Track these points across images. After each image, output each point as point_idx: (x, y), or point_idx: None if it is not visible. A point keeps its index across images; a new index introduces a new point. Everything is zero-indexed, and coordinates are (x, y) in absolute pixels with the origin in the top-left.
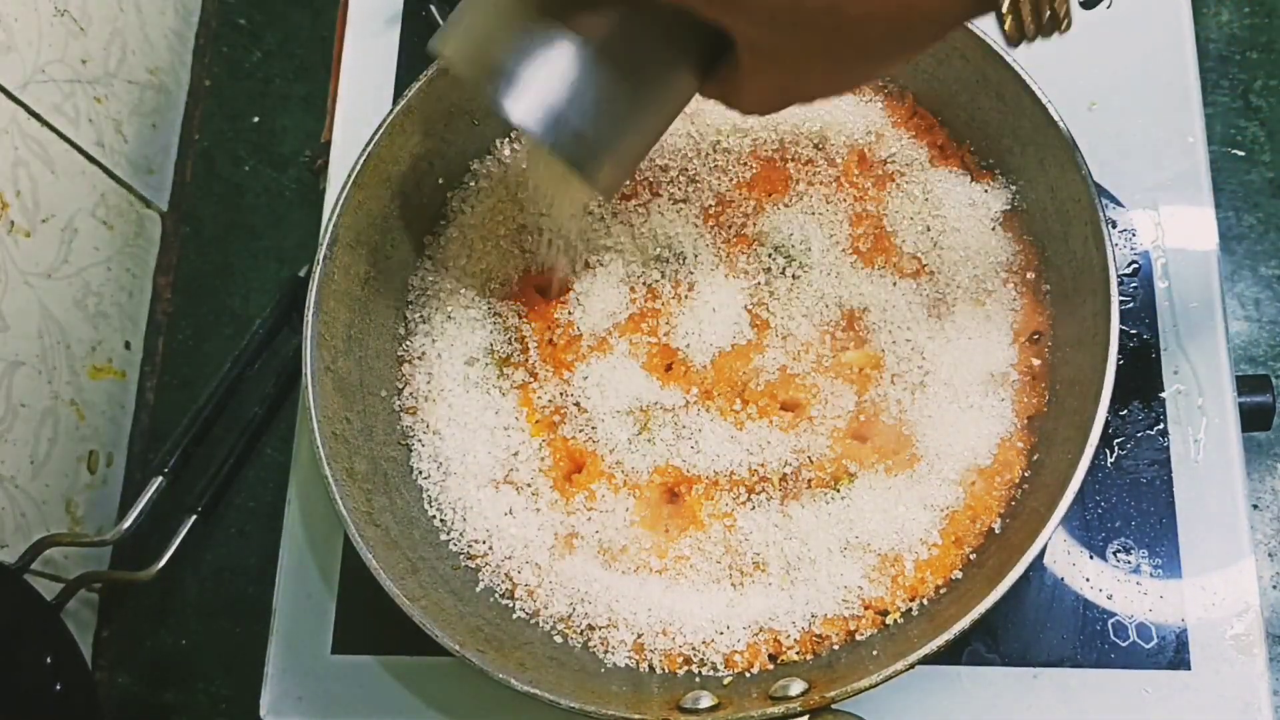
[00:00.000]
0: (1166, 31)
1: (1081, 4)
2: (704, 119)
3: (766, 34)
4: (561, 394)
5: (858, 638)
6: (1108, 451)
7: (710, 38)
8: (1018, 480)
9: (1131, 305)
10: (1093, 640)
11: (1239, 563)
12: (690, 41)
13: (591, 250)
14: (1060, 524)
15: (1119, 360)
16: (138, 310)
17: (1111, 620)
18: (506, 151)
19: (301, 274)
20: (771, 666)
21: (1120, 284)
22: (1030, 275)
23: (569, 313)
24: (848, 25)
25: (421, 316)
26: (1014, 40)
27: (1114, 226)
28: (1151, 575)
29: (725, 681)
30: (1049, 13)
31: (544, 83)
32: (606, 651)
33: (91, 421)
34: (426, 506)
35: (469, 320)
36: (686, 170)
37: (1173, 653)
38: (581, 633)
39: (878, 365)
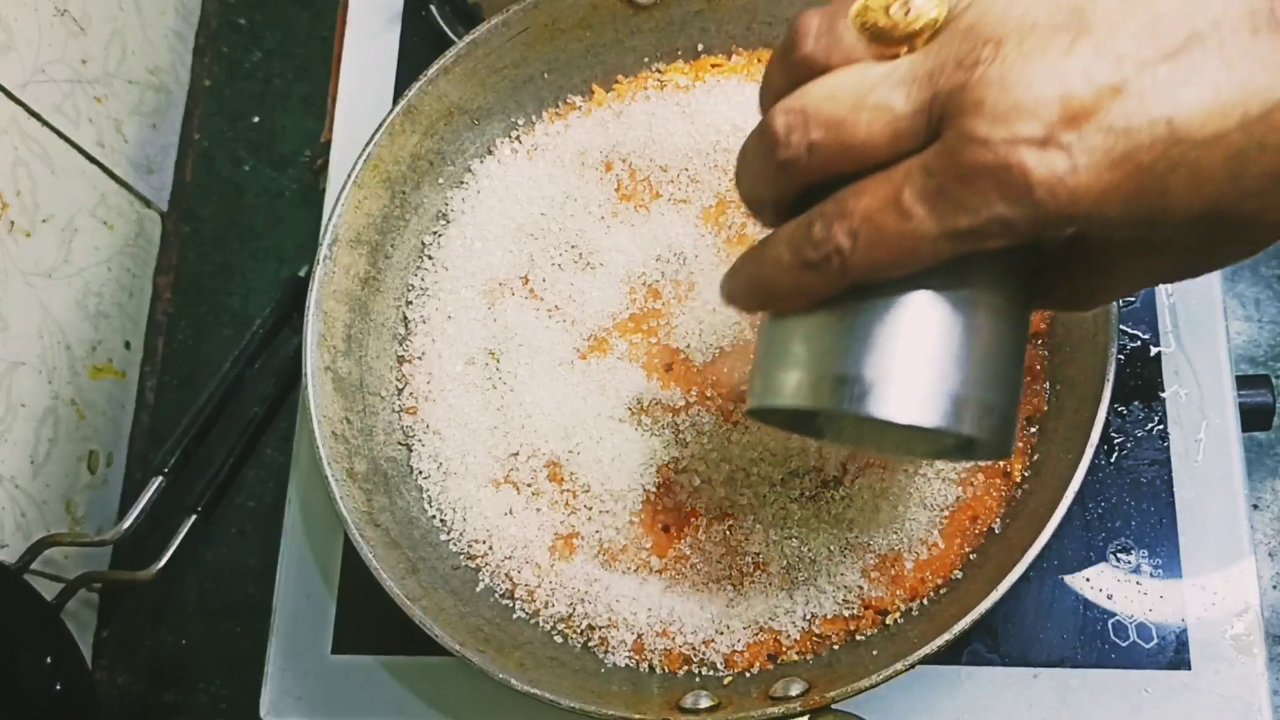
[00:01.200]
0: None
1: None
2: (704, 119)
3: (1183, 231)
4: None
5: (858, 638)
6: (1108, 451)
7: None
8: (1018, 480)
9: (1131, 305)
10: (1093, 640)
11: (1239, 563)
12: (1022, 262)
13: (591, 250)
14: (1060, 524)
15: (1119, 360)
16: (138, 310)
17: (1111, 620)
18: (507, 151)
19: (301, 274)
20: (771, 666)
21: None
22: None
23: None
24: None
25: (421, 316)
26: None
27: None
28: (1151, 575)
29: (725, 681)
30: None
31: (926, 371)
32: (606, 651)
33: (91, 421)
34: (426, 506)
35: (469, 320)
36: (687, 170)
37: (1173, 653)
38: (581, 633)
39: None
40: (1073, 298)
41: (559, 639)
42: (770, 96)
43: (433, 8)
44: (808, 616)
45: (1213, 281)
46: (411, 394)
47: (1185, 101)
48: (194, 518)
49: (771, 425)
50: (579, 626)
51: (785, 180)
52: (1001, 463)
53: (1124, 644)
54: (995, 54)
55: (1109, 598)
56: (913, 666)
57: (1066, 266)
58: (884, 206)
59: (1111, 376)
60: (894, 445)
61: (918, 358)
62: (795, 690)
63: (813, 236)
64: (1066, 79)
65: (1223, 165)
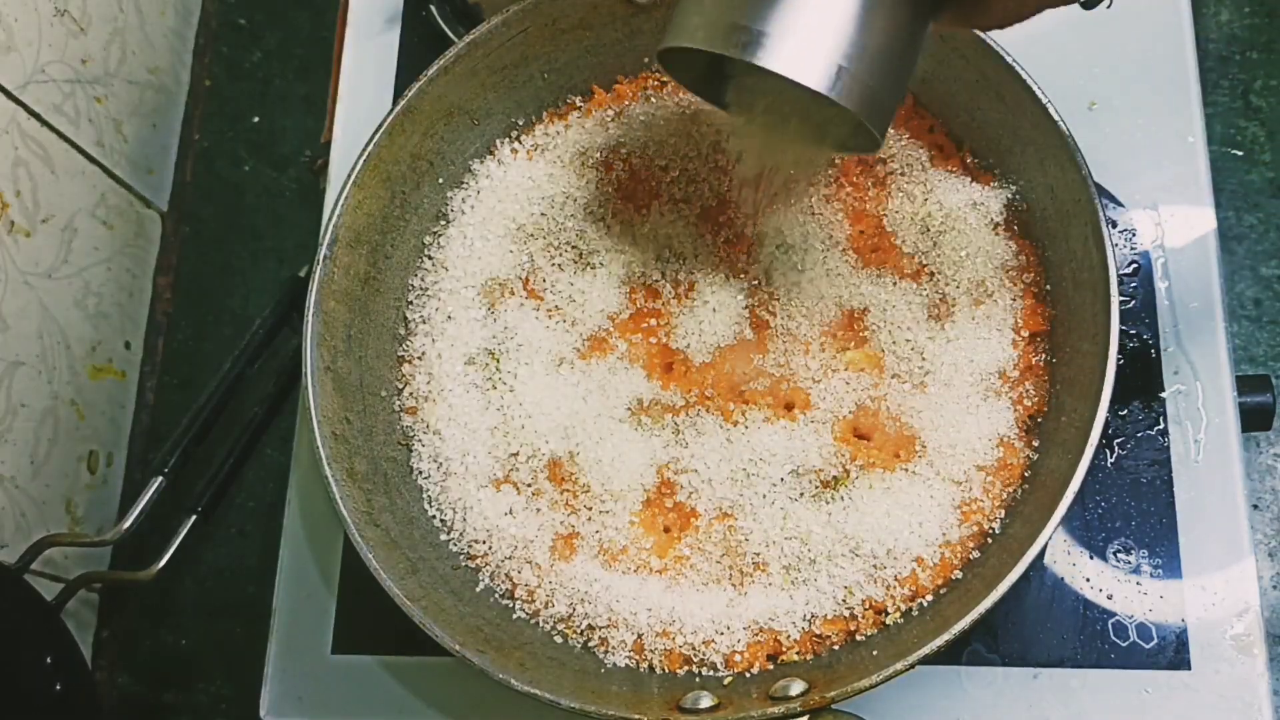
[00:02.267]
0: (1166, 31)
1: (1081, 4)
2: (704, 120)
3: None
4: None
5: (858, 638)
6: (1108, 451)
7: None
8: (1018, 480)
9: (1131, 305)
10: (1093, 640)
11: (1239, 563)
12: None
13: (591, 250)
14: (1060, 524)
15: (1119, 360)
16: (138, 310)
17: (1111, 620)
18: (507, 151)
19: (301, 274)
20: (771, 666)
21: (1120, 284)
22: (1030, 275)
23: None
24: None
25: (421, 316)
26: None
27: (1114, 226)
28: (1151, 575)
29: (725, 681)
30: None
31: (818, 35)
32: (606, 651)
33: (91, 421)
34: (426, 506)
35: (469, 320)
36: (686, 170)
37: (1173, 653)
38: (581, 633)
39: (878, 365)
40: (972, 8)
41: (559, 639)
42: None
43: (433, 8)
44: (808, 616)
45: (1213, 281)
46: (411, 394)
47: None
48: (194, 518)
49: (681, 83)
50: (579, 626)
51: None
52: (1000, 467)
53: (1124, 644)
54: None
55: (1109, 598)
56: (913, 666)
57: None
58: None
59: (1111, 376)
60: (782, 115)
61: (811, 21)
62: (795, 690)
63: None
64: None
65: None
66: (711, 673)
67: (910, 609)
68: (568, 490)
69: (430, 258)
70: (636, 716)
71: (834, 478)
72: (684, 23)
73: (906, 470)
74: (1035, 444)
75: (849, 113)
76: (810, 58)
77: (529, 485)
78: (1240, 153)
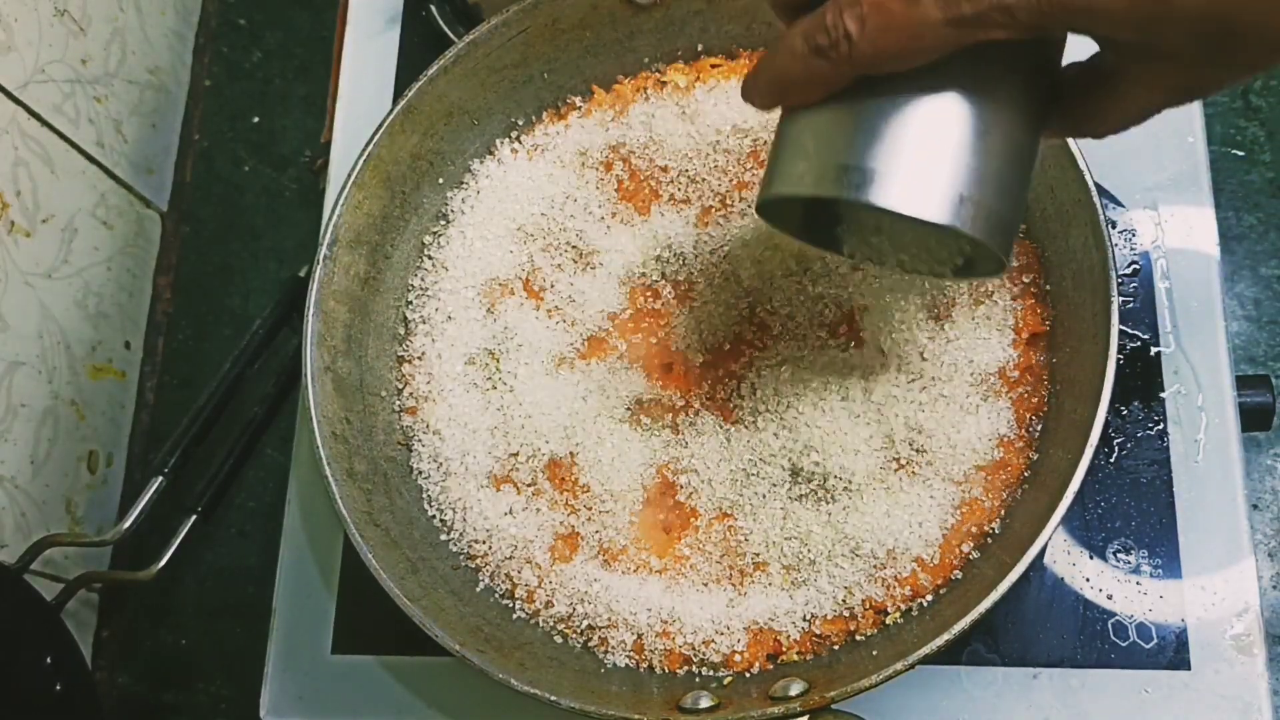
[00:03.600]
0: None
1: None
2: (704, 119)
3: (1186, 33)
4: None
5: (858, 638)
6: (1108, 451)
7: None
8: (1018, 480)
9: (1131, 305)
10: (1093, 640)
11: (1239, 563)
12: (1034, 71)
13: (591, 250)
14: (1060, 524)
15: (1119, 360)
16: (138, 310)
17: (1111, 620)
18: (507, 151)
19: (301, 274)
20: (771, 666)
21: (1120, 284)
22: (1030, 275)
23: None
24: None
25: (421, 316)
26: None
27: (1114, 226)
28: (1151, 575)
29: (725, 681)
30: None
31: (933, 166)
32: (606, 651)
33: (91, 421)
34: (426, 506)
35: (469, 320)
36: (686, 170)
37: (1173, 653)
38: (581, 633)
39: (878, 366)
40: (1082, 118)
41: (559, 639)
42: None
43: (433, 8)
44: (808, 616)
45: (1213, 281)
46: (411, 394)
47: None
48: (194, 518)
49: (785, 232)
50: (579, 626)
51: None
52: (1000, 467)
53: (1124, 644)
54: None
55: (1109, 598)
56: (913, 666)
57: (1080, 83)
58: None
59: (1111, 376)
60: (900, 251)
61: (925, 152)
62: (795, 690)
63: (825, 23)
64: None
65: None
66: (711, 673)
67: (910, 609)
68: (568, 490)
69: (430, 258)
70: (636, 716)
71: (835, 478)
72: (788, 170)
73: (906, 470)
74: (1035, 444)
75: (970, 241)
76: (929, 191)
77: (529, 485)
78: (1240, 153)
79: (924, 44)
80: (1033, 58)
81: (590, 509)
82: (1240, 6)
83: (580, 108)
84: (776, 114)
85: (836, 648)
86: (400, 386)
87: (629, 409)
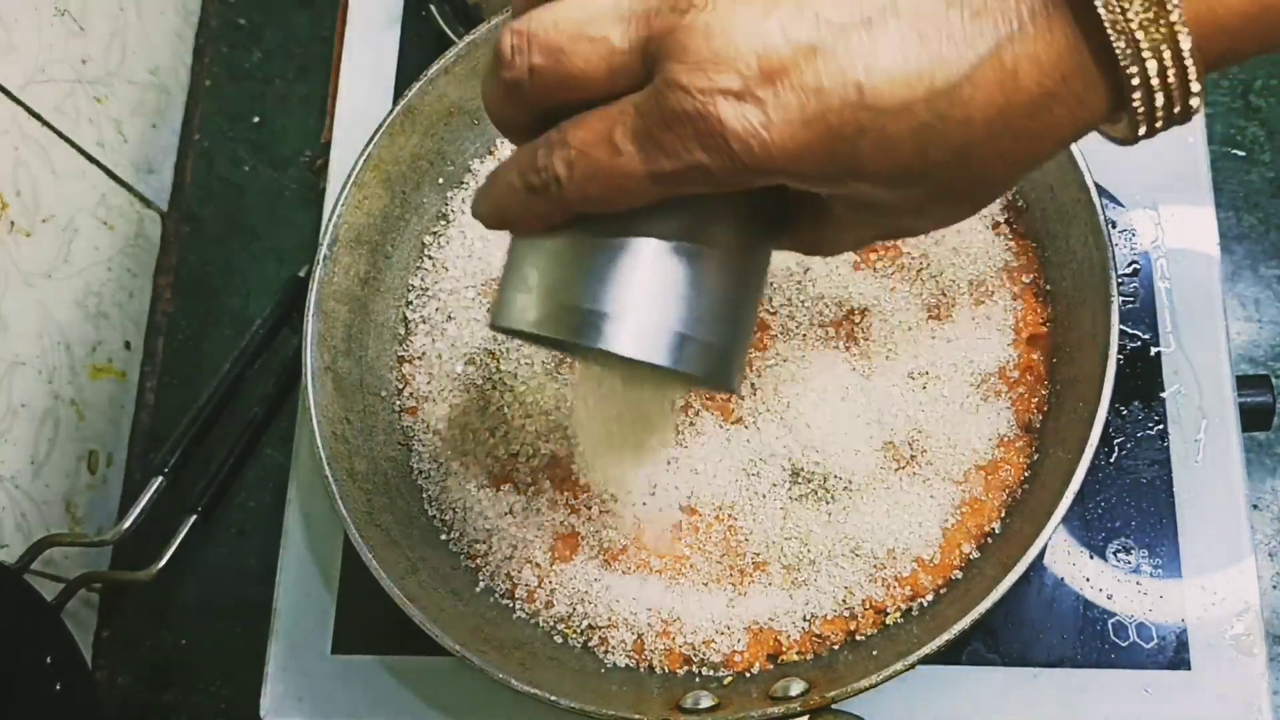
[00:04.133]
0: None
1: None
2: None
3: (883, 192)
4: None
5: (858, 638)
6: (1108, 451)
7: (772, 198)
8: (1018, 480)
9: (1131, 305)
10: (1093, 640)
11: (1239, 563)
12: (765, 208)
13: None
14: (1060, 524)
15: (1119, 360)
16: (138, 310)
17: (1111, 620)
18: (507, 151)
19: (301, 274)
20: (771, 666)
21: (1120, 284)
22: (1030, 275)
23: None
24: (969, 173)
25: (421, 316)
26: (1132, 139)
27: (1114, 226)
28: (1151, 575)
29: (725, 681)
30: (1178, 104)
31: (653, 309)
32: (606, 651)
33: (91, 421)
34: (426, 506)
35: (469, 320)
36: None
37: (1173, 653)
38: (581, 633)
39: (878, 366)
40: (805, 243)
41: (559, 639)
42: (514, 11)
43: (433, 8)
44: (808, 616)
45: (1213, 281)
46: (412, 394)
47: (877, 68)
48: (194, 518)
49: (518, 339)
50: (579, 626)
51: (515, 101)
52: (1000, 467)
53: (1124, 644)
54: (706, 1)
55: (1109, 598)
56: (913, 666)
57: (802, 212)
58: (597, 141)
59: (1111, 376)
60: (623, 366)
61: (643, 294)
62: (795, 690)
63: (536, 162)
64: (767, 35)
65: (909, 136)
66: (711, 673)
67: (910, 609)
68: (568, 490)
69: (430, 258)
70: (636, 716)
71: (835, 478)
72: (512, 300)
73: (906, 470)
74: (1035, 444)
75: (696, 377)
76: (647, 334)
77: (529, 485)
78: (1240, 153)
79: (629, 194)
80: (754, 195)
81: (590, 509)
82: (926, 171)
83: None
84: None
85: (836, 648)
86: (400, 386)
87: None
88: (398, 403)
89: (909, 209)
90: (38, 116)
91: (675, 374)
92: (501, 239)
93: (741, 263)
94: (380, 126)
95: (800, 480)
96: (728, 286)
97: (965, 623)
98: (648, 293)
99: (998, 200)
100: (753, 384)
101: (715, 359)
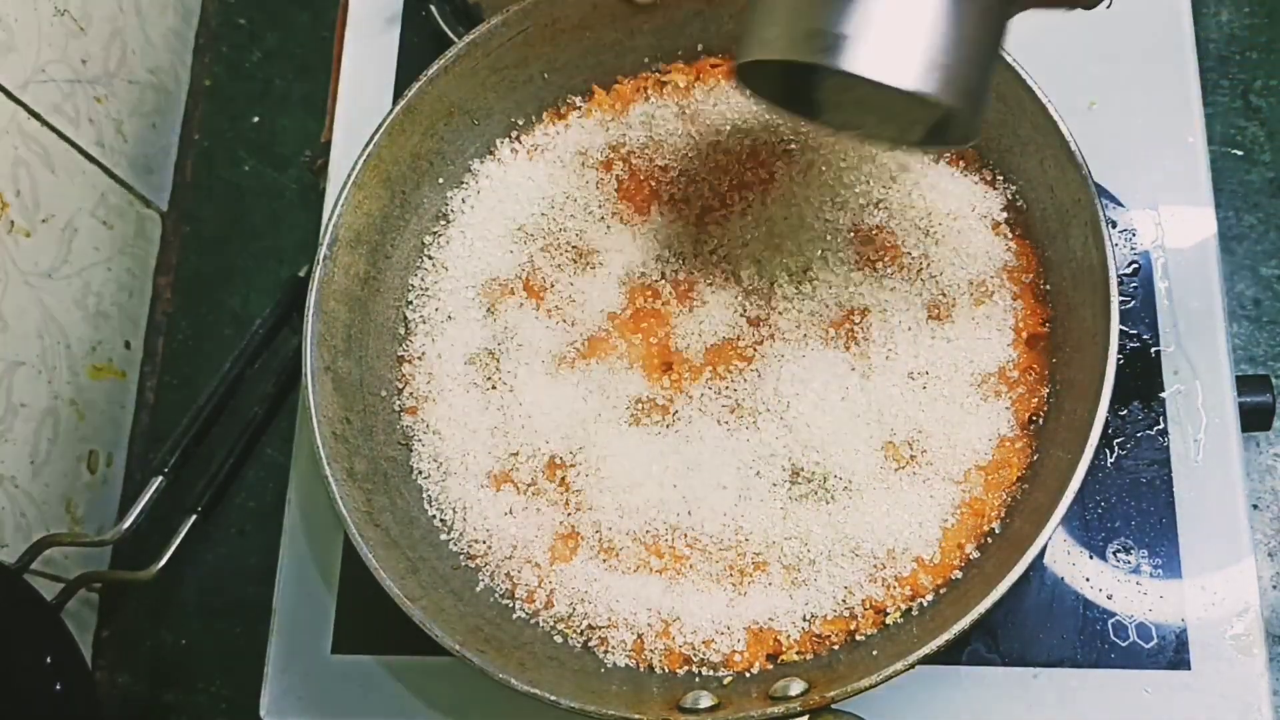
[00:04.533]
0: (1166, 31)
1: (1082, 5)
2: (704, 119)
3: None
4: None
5: (858, 638)
6: (1108, 451)
7: None
8: (1017, 480)
9: (1131, 305)
10: (1093, 640)
11: (1239, 563)
12: None
13: (591, 250)
14: (1060, 524)
15: (1119, 360)
16: (138, 310)
17: (1111, 620)
18: (507, 151)
19: (301, 274)
20: (771, 666)
21: (1120, 284)
22: (1030, 275)
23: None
24: None
25: (421, 316)
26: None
27: (1114, 226)
28: (1151, 575)
29: (725, 681)
30: None
31: (902, 33)
32: (606, 651)
33: (91, 421)
34: (426, 506)
35: (469, 320)
36: (686, 170)
37: (1173, 653)
38: (581, 633)
39: (878, 366)
40: None
41: (559, 639)
42: None
43: (433, 8)
44: (808, 616)
45: (1213, 281)
46: (411, 394)
47: None
48: (194, 518)
49: (763, 100)
50: (579, 626)
51: None
52: (1000, 467)
53: (1124, 644)
54: None
55: (1109, 598)
56: (913, 666)
57: None
58: None
59: (1111, 376)
60: (873, 120)
61: (895, 17)
62: (795, 690)
63: None
64: None
65: None
66: (711, 673)
67: (910, 609)
68: (568, 490)
69: (430, 258)
70: (636, 716)
71: (835, 478)
72: (760, 34)
73: (906, 470)
74: (1035, 444)
75: (941, 108)
76: (898, 57)
77: (529, 485)
78: (1240, 153)
79: None
80: None
81: (590, 509)
82: None
83: (580, 108)
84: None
85: (836, 648)
86: (400, 386)
87: (629, 409)
88: (398, 403)
89: None
90: (38, 116)
91: (922, 101)
92: (501, 240)
93: (991, 4)
94: (380, 126)
95: (800, 480)
96: (977, 25)
97: (965, 623)
98: (899, 16)
99: (998, 200)
100: (753, 384)
101: (963, 91)
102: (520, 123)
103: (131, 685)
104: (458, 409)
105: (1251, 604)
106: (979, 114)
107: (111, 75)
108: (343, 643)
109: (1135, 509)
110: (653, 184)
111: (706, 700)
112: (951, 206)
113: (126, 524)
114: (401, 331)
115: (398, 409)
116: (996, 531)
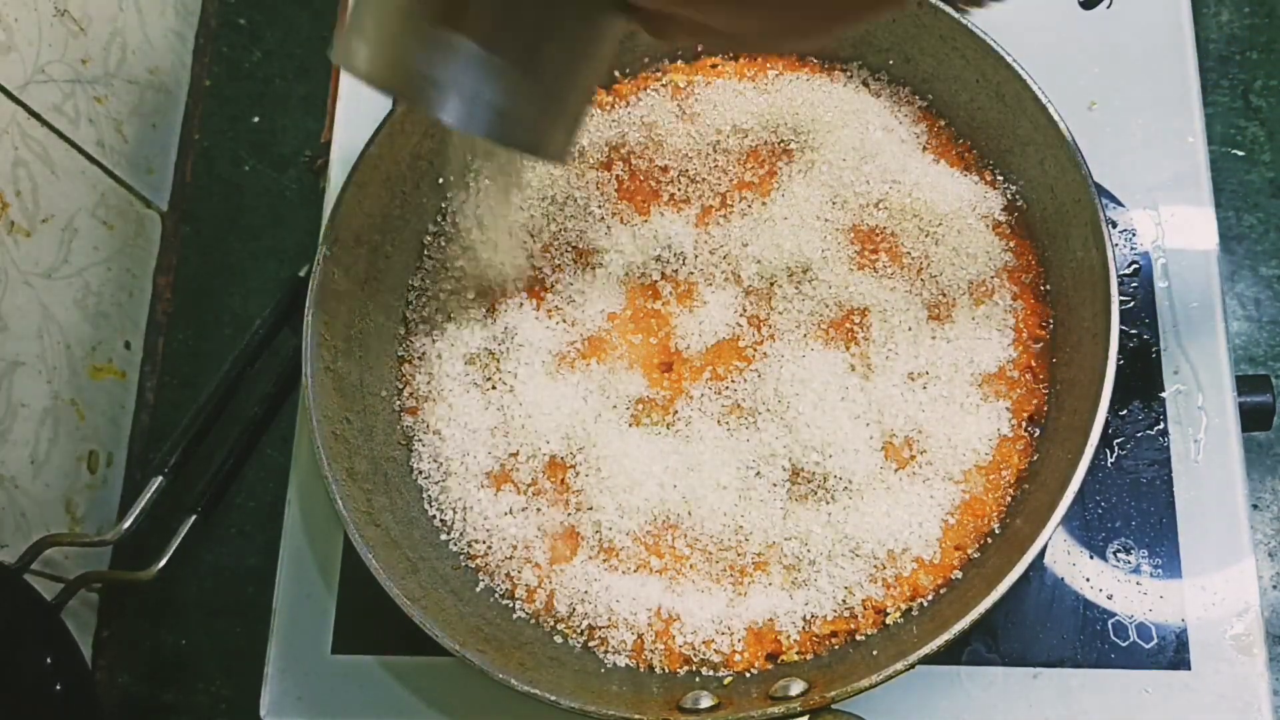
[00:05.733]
0: (1166, 31)
1: (1081, 4)
2: (704, 119)
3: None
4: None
5: (858, 638)
6: (1108, 451)
7: None
8: (1017, 480)
9: (1131, 305)
10: (1093, 640)
11: (1239, 563)
12: None
13: (591, 250)
14: (1060, 524)
15: (1119, 360)
16: (138, 310)
17: (1111, 620)
18: (505, 152)
19: (301, 274)
20: (771, 666)
21: (1120, 284)
22: (1030, 275)
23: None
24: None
25: (421, 316)
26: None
27: (1114, 226)
28: (1151, 575)
29: (725, 681)
30: None
31: (463, 78)
32: (606, 651)
33: (91, 421)
34: (426, 506)
35: (469, 320)
36: (686, 171)
37: (1173, 653)
38: (581, 633)
39: (878, 366)
40: (649, 21)
41: (559, 639)
42: None
43: None
44: (808, 616)
45: (1213, 281)
46: (411, 394)
47: None
48: (194, 518)
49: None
50: (579, 626)
51: None
52: (1000, 467)
53: (1124, 644)
54: None
55: (1109, 598)
56: (913, 666)
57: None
58: None
59: (1111, 376)
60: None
61: (464, 68)
62: (795, 690)
63: None
64: None
65: None
66: (711, 673)
67: (910, 609)
68: (568, 490)
69: (430, 258)
70: (636, 716)
71: (835, 478)
72: (353, 47)
73: (906, 470)
74: (1035, 444)
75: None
76: (462, 104)
77: (529, 485)
78: (1240, 153)
79: None
80: None
81: (590, 509)
82: None
83: None
84: (777, 116)
85: (836, 648)
86: (400, 386)
87: (629, 409)
88: (398, 403)
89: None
90: (38, 116)
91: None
92: (501, 239)
93: (561, 40)
94: (380, 126)
95: (800, 480)
96: (544, 59)
97: (965, 623)
98: (461, 66)
99: (998, 200)
100: (753, 384)
101: (526, 129)
102: None
103: (131, 685)
104: (458, 409)
105: (1251, 604)
106: (558, 139)
107: (111, 75)
108: (343, 643)
109: (1135, 509)
110: (653, 184)
111: (706, 700)
112: (951, 206)
113: (126, 524)
114: (401, 331)
115: (398, 409)
116: (996, 531)
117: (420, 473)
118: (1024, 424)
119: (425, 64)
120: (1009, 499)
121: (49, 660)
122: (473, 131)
